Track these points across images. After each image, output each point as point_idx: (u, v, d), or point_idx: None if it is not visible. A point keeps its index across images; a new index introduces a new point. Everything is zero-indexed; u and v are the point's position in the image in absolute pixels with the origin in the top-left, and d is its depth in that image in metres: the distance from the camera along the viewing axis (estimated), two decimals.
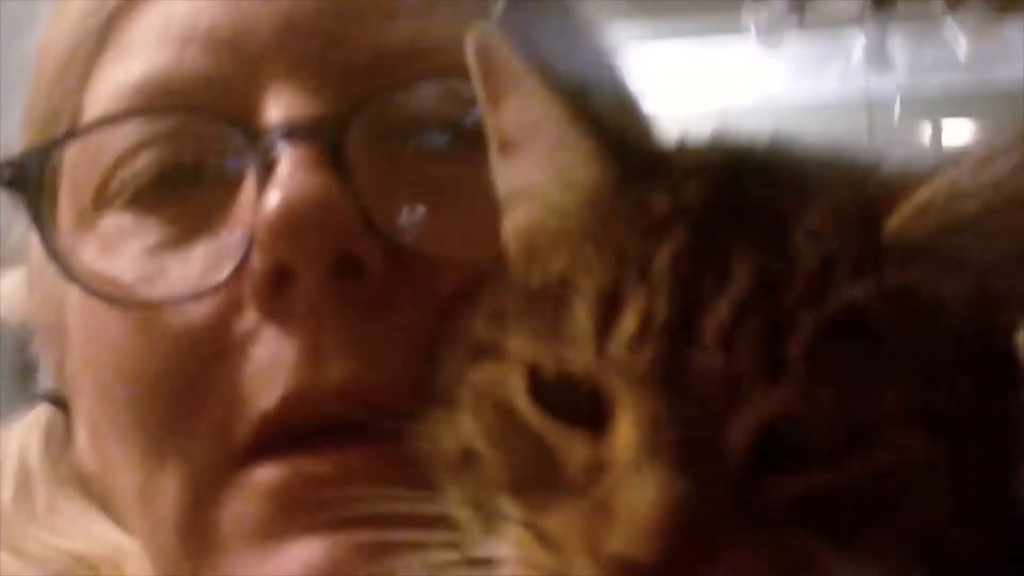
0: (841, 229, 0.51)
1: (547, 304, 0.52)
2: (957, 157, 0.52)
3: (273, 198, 0.63)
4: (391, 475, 0.57)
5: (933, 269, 0.52)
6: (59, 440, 0.78)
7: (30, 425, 0.81)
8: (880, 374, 0.49)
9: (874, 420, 0.49)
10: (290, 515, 0.63)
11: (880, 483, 0.49)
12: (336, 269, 0.63)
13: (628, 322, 0.49)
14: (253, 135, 0.67)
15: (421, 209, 0.68)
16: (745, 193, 0.53)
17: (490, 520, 0.52)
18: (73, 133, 0.72)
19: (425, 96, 0.69)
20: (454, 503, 0.55)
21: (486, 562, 0.51)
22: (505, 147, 0.59)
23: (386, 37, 0.70)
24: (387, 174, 0.68)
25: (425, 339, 0.61)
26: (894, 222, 0.52)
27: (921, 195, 0.52)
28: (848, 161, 0.57)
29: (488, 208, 0.61)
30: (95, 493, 0.74)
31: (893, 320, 0.50)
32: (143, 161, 0.69)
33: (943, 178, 0.51)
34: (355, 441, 0.62)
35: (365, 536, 0.56)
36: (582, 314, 0.50)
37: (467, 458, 0.55)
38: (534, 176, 0.58)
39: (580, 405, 0.51)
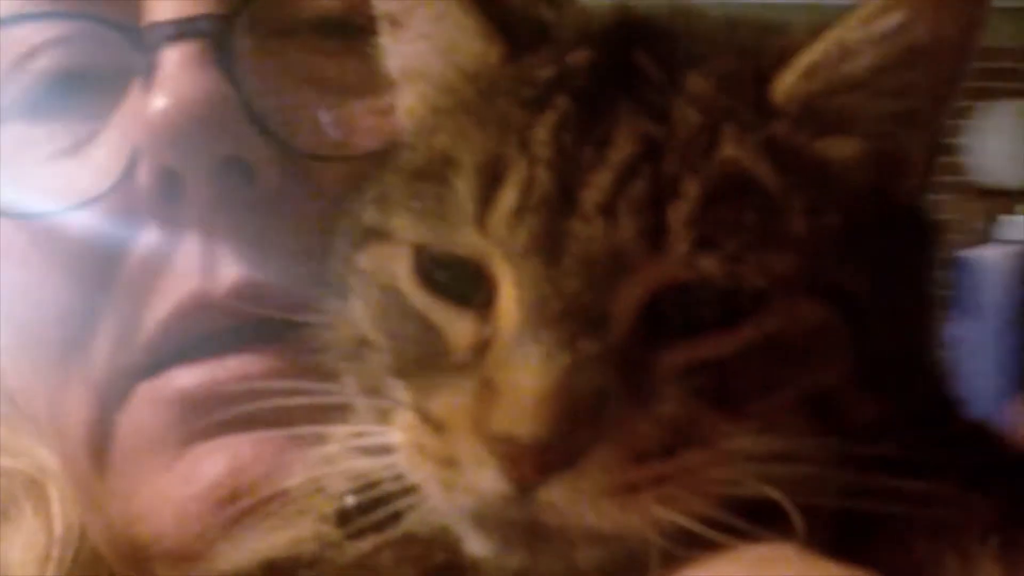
0: (728, 94, 0.50)
1: (430, 183, 0.51)
2: (844, 16, 0.50)
3: (156, 101, 0.62)
4: (292, 371, 0.57)
5: (822, 131, 0.51)
6: None
7: None
8: (768, 240, 0.47)
9: (763, 287, 0.47)
10: (194, 420, 0.63)
11: (773, 351, 0.48)
12: (224, 171, 0.63)
13: (509, 196, 0.48)
14: (137, 37, 0.65)
15: (311, 107, 0.67)
16: (633, 61, 0.51)
17: (383, 408, 0.52)
18: None
19: None
20: (352, 393, 0.54)
21: (380, 450, 0.51)
22: (393, 25, 0.58)
23: None
24: (276, 73, 0.67)
25: (318, 236, 0.60)
26: (782, 84, 0.51)
27: (808, 56, 0.50)
28: (741, 27, 0.56)
29: (378, 104, 0.60)
30: (24, 412, 0.73)
31: (781, 184, 0.48)
32: (35, 67, 0.67)
33: (830, 38, 0.50)
34: (255, 341, 0.63)
35: (269, 434, 0.57)
36: (463, 189, 0.49)
37: (360, 346, 0.54)
38: (420, 53, 0.57)
39: (465, 284, 0.50)
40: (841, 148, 0.51)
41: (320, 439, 0.54)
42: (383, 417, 0.52)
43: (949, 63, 0.52)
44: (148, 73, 0.64)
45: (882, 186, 0.52)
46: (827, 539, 0.46)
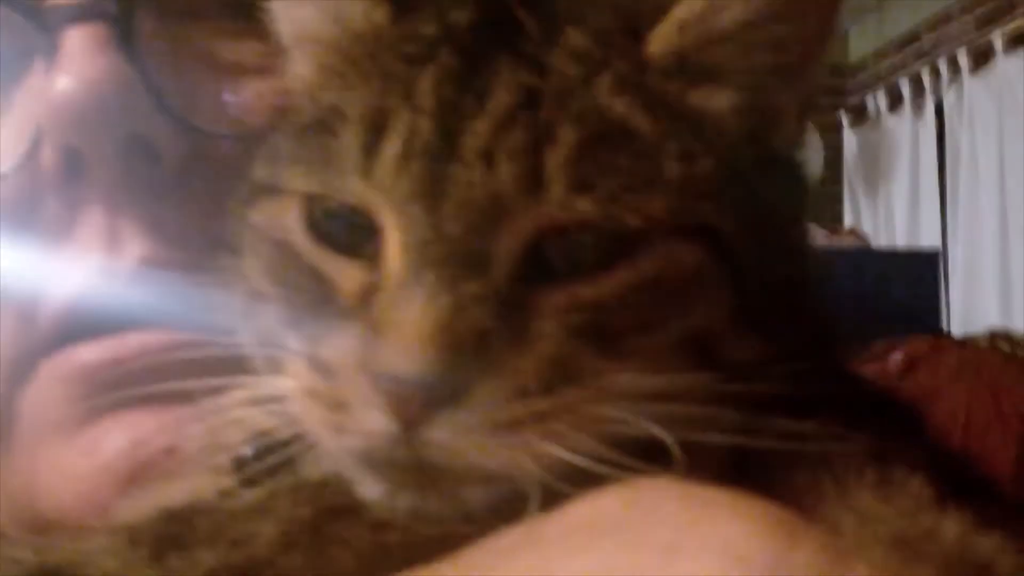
0: (604, 47, 0.52)
1: (317, 136, 0.52)
2: None
3: (59, 82, 0.63)
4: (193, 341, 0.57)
5: (696, 82, 0.53)
6: None
7: None
8: (643, 183, 0.49)
9: (639, 228, 0.49)
10: (96, 396, 0.64)
11: (651, 292, 0.49)
12: (127, 151, 0.63)
13: (392, 145, 0.49)
14: (39, 17, 0.65)
15: (212, 88, 0.68)
16: (512, 18, 0.53)
17: (276, 359, 0.53)
18: None
19: None
20: (248, 346, 0.55)
21: (273, 400, 0.52)
22: None
23: None
24: (178, 54, 0.67)
25: (221, 213, 0.60)
26: (656, 38, 0.52)
27: (681, 10, 0.52)
28: None
29: (276, 84, 0.61)
30: None
31: (656, 131, 0.50)
32: None
33: None
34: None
35: (170, 407, 0.58)
36: (348, 140, 0.50)
37: (254, 300, 0.55)
38: (310, 17, 0.58)
39: (353, 233, 0.51)
40: (714, 99, 0.53)
41: (216, 391, 0.54)
42: (275, 368, 0.53)
43: (816, 18, 0.54)
44: (50, 54, 0.64)
45: (755, 135, 0.54)
46: (712, 474, 0.47)
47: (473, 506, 0.49)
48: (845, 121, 6.94)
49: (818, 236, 4.92)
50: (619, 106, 0.50)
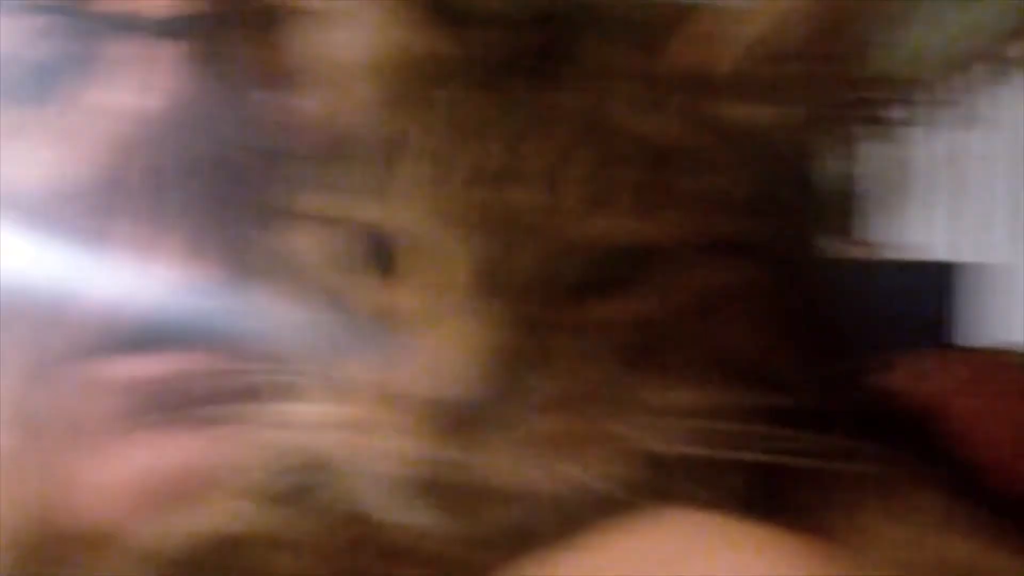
0: (624, 60, 0.51)
1: (343, 161, 0.52)
2: None
3: (145, 99, 0.63)
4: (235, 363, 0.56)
5: (724, 94, 0.52)
6: None
7: None
8: (666, 200, 0.49)
9: (672, 247, 0.49)
10: (139, 409, 0.63)
11: (685, 307, 0.49)
12: (210, 170, 0.64)
13: (416, 168, 0.49)
14: (123, 29, 0.65)
15: (290, 104, 0.65)
16: (534, 34, 0.53)
17: (306, 384, 0.52)
18: None
19: None
20: (283, 372, 0.54)
21: (305, 426, 0.52)
22: (317, 19, 0.58)
23: None
24: (257, 70, 0.67)
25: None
26: (674, 51, 0.52)
27: (707, 19, 0.52)
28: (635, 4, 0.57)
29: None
30: None
31: (680, 145, 0.50)
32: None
33: (717, 4, 0.52)
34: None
35: (209, 427, 0.57)
36: (373, 164, 0.51)
37: (288, 325, 0.55)
38: (342, 44, 0.57)
39: (374, 255, 0.51)
40: (740, 112, 0.53)
41: (250, 417, 0.54)
42: (306, 394, 0.52)
43: (845, 27, 0.53)
44: (125, 66, 0.64)
45: (795, 147, 0.54)
46: (736, 496, 0.48)
47: (504, 527, 0.49)
48: (863, 132, 6.74)
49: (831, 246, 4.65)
50: (640, 122, 0.50)
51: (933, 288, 4.35)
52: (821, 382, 0.52)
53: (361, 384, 0.49)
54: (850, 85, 0.55)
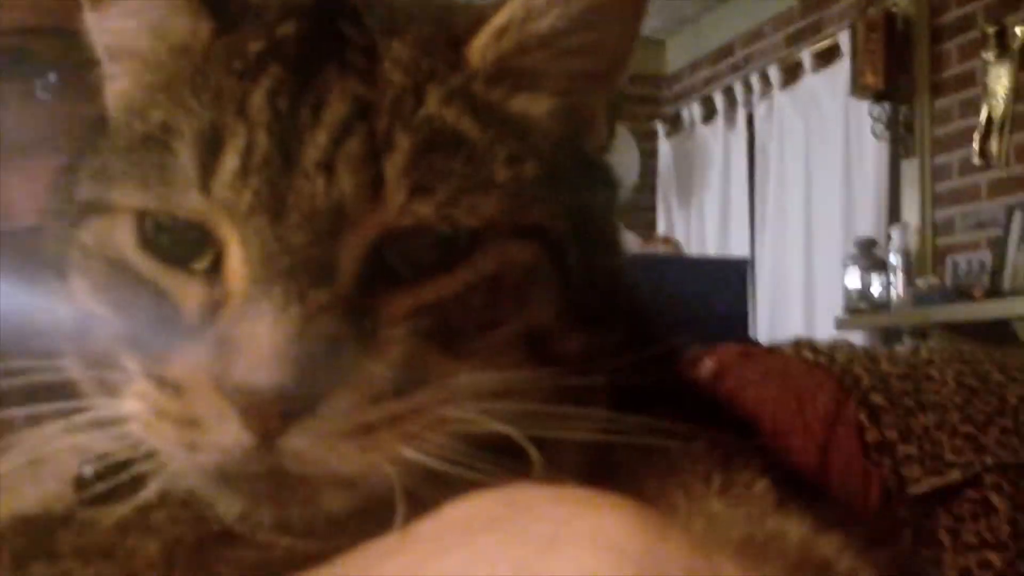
0: (429, 57, 0.53)
1: (150, 152, 0.52)
2: None
3: None
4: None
5: (515, 88, 0.55)
6: None
7: None
8: (476, 185, 0.51)
9: (474, 229, 0.51)
10: None
11: (489, 291, 0.52)
12: None
13: (230, 160, 0.50)
14: None
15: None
16: (338, 31, 0.54)
17: (111, 381, 0.52)
18: None
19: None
20: (76, 370, 0.54)
21: (112, 423, 0.51)
22: (97, 2, 0.58)
23: None
24: None
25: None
26: (476, 46, 0.54)
27: (498, 18, 0.55)
28: (432, 2, 0.59)
29: (45, 164, 0.60)
30: None
31: (484, 137, 0.52)
32: None
33: (518, 1, 0.54)
34: None
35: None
36: (184, 156, 0.50)
37: (84, 322, 0.54)
38: (129, 31, 0.57)
39: (191, 248, 0.51)
40: (534, 104, 0.56)
41: (35, 420, 0.53)
42: (111, 390, 0.52)
43: (620, 27, 0.57)
44: None
45: (572, 140, 0.57)
46: (570, 476, 0.50)
47: (334, 513, 0.50)
48: (661, 130, 7.05)
49: (631, 243, 5.40)
50: (449, 114, 0.52)
51: (732, 284, 4.63)
52: (630, 365, 0.54)
53: (179, 377, 0.49)
54: (607, 77, 0.58)
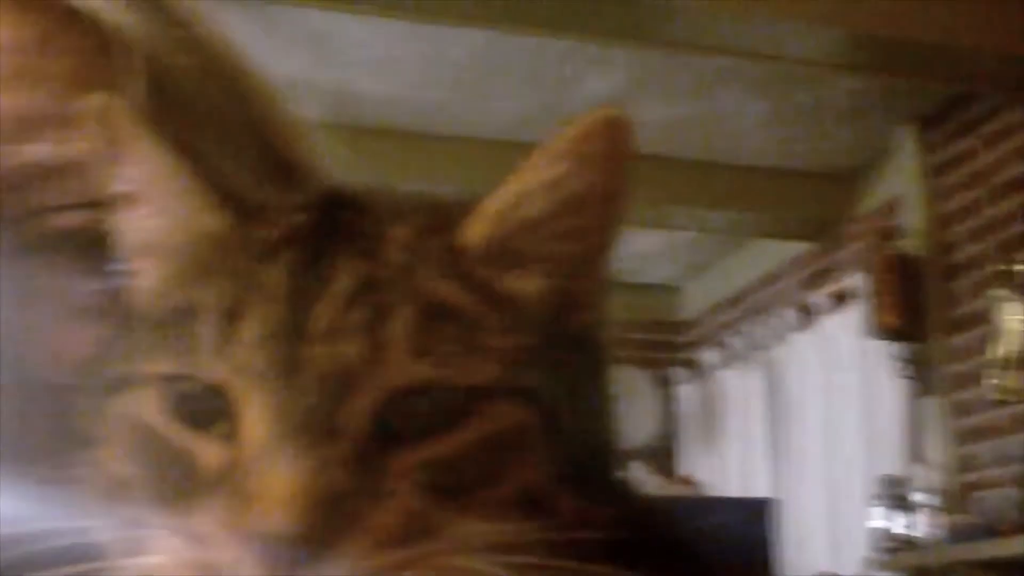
0: (424, 240, 0.59)
1: (176, 326, 0.57)
2: (523, 165, 0.60)
3: None
4: None
5: (505, 268, 0.60)
6: None
7: None
8: (471, 350, 0.56)
9: (474, 394, 0.56)
10: None
11: (486, 450, 0.56)
12: None
13: (247, 329, 0.55)
14: None
15: (61, 332, 0.69)
16: (345, 219, 0.61)
17: (137, 539, 0.56)
18: None
19: (55, 215, 0.73)
20: (103, 534, 0.57)
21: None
22: (129, 202, 0.64)
23: (16, 159, 0.72)
24: (27, 293, 0.71)
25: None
26: (469, 231, 0.60)
27: (491, 203, 0.60)
28: (430, 196, 0.65)
29: None
30: None
31: (477, 310, 0.58)
32: None
33: (509, 185, 0.60)
34: None
35: None
36: (207, 327, 0.56)
37: (116, 489, 0.58)
38: (159, 227, 0.63)
39: (211, 413, 0.56)
40: (524, 282, 0.60)
41: None
42: (136, 549, 0.56)
43: (602, 212, 0.62)
44: None
45: (562, 316, 0.61)
46: None
47: None
48: (680, 376, 7.13)
49: (652, 484, 5.59)
50: (444, 289, 0.57)
51: (754, 523, 4.82)
52: (623, 522, 0.58)
53: (199, 528, 0.53)
54: (594, 259, 0.63)
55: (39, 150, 0.73)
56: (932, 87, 5.37)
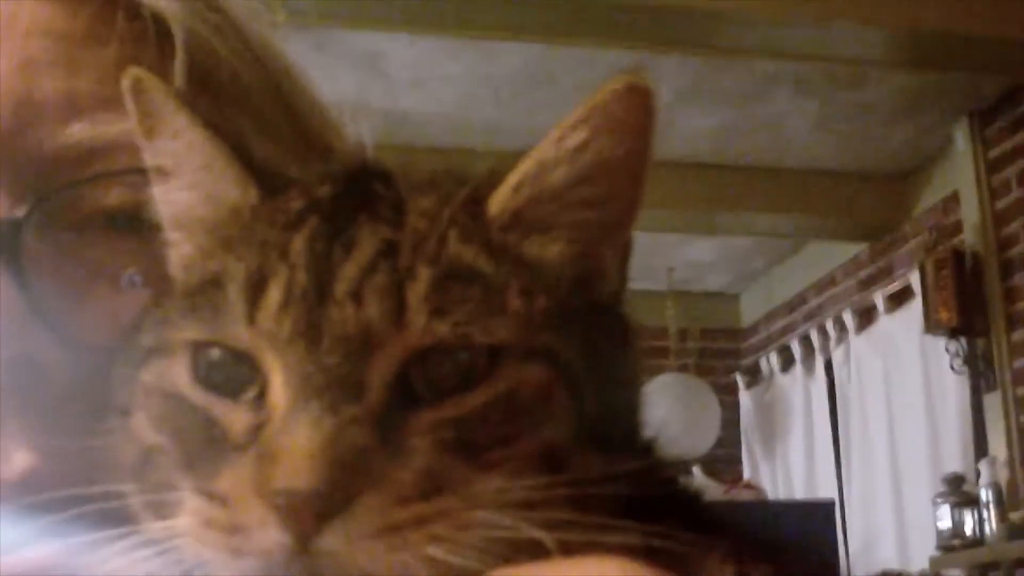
0: (448, 208, 0.60)
1: (206, 295, 0.59)
2: (545, 136, 0.61)
3: None
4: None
5: (529, 234, 0.61)
6: None
7: None
8: (491, 311, 0.57)
9: (492, 354, 0.57)
10: None
11: (506, 410, 0.57)
12: (13, 371, 0.67)
13: (273, 295, 0.57)
14: None
15: (102, 300, 0.72)
16: (369, 189, 0.62)
17: (166, 502, 0.57)
18: None
19: (102, 190, 0.75)
20: (135, 500, 0.60)
21: (163, 540, 0.56)
22: (161, 175, 0.66)
23: (64, 140, 0.75)
24: (64, 267, 0.72)
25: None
26: (493, 201, 0.61)
27: (513, 176, 0.62)
28: (457, 171, 0.66)
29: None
30: None
31: (500, 274, 0.59)
32: None
33: (532, 156, 0.61)
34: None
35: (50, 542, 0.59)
36: (234, 294, 0.58)
37: (147, 455, 0.60)
38: (190, 200, 0.65)
39: (239, 379, 0.58)
40: (545, 248, 0.62)
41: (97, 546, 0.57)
42: (166, 512, 0.57)
43: (625, 180, 0.63)
44: None
45: (583, 282, 0.63)
46: None
47: None
48: (741, 382, 7.15)
49: (712, 491, 5.39)
50: (466, 253, 0.59)
51: (819, 525, 4.83)
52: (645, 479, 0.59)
53: (226, 488, 0.54)
54: (615, 227, 0.64)
55: (85, 130, 0.76)
56: (984, 81, 5.37)
